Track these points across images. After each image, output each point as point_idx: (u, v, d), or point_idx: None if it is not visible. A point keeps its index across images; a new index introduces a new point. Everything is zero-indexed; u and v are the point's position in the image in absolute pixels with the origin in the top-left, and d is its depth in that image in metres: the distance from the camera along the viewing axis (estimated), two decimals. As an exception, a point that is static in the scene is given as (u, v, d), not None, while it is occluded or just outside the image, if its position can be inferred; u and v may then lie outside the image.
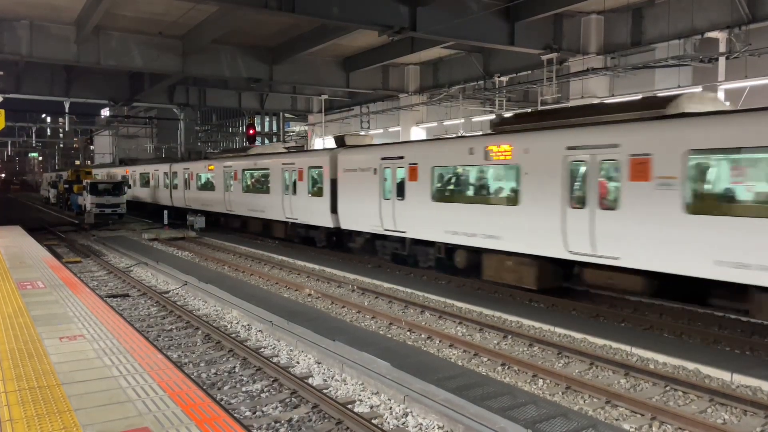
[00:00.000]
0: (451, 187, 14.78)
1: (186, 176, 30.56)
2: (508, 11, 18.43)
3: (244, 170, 24.81)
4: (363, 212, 17.08)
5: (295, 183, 20.77)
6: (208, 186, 28.57)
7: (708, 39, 16.83)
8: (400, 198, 15.64)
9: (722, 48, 16.19)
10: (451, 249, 14.60)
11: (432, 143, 15.65)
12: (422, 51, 22.97)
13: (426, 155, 14.92)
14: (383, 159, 16.32)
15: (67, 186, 41.19)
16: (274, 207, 22.19)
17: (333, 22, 17.65)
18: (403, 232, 15.68)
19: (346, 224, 18.17)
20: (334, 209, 18.52)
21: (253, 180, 24.56)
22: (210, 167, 27.97)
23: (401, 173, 15.68)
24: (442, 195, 14.66)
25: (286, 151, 24.78)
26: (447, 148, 14.53)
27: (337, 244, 19.99)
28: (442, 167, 14.61)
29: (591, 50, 19.49)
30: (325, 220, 19.07)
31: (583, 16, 19.47)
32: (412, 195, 15.20)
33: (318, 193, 19.54)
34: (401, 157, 15.64)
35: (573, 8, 18.09)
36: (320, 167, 19.43)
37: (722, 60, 16.00)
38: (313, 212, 19.71)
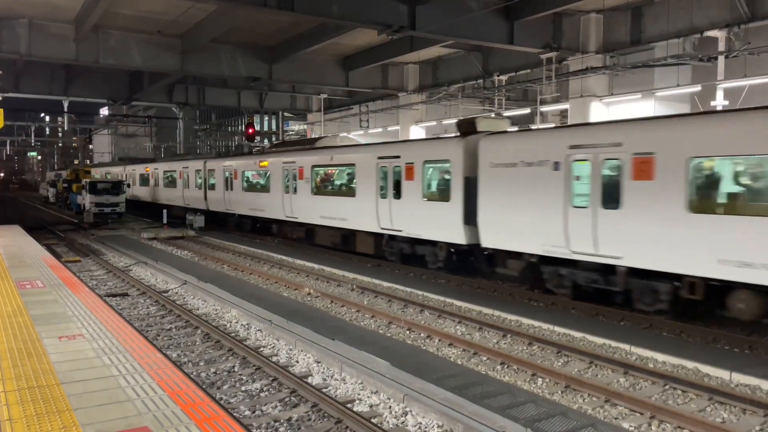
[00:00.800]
0: (740, 189, 9.70)
1: (228, 175, 26.42)
2: (507, 10, 18.42)
3: (314, 167, 20.30)
4: (528, 225, 12.51)
5: (398, 183, 16.15)
6: (258, 186, 24.27)
7: (707, 38, 16.82)
8: (610, 206, 10.94)
9: (721, 47, 16.18)
10: (719, 288, 9.70)
11: (687, 120, 10.47)
12: (421, 50, 22.95)
13: (673, 139, 10.02)
14: (573, 147, 11.64)
15: (66, 185, 41.21)
16: (362, 214, 17.58)
17: (332, 20, 17.63)
18: (617, 258, 10.86)
19: (491, 241, 13.54)
20: (469, 219, 13.97)
21: (326, 179, 20.26)
22: (262, 164, 23.66)
23: (612, 168, 11.03)
24: (713, 203, 9.81)
25: (374, 142, 20.51)
26: (729, 126, 9.48)
27: (461, 266, 15.32)
28: (716, 158, 9.67)
29: (590, 49, 19.48)
30: (453, 234, 14.44)
31: (582, 15, 19.46)
32: (640, 202, 10.45)
33: (441, 196, 14.94)
34: (618, 144, 10.79)
35: (572, 7, 18.06)
36: (446, 161, 14.79)
37: (721, 59, 15.99)
38: (432, 222, 15.06)
